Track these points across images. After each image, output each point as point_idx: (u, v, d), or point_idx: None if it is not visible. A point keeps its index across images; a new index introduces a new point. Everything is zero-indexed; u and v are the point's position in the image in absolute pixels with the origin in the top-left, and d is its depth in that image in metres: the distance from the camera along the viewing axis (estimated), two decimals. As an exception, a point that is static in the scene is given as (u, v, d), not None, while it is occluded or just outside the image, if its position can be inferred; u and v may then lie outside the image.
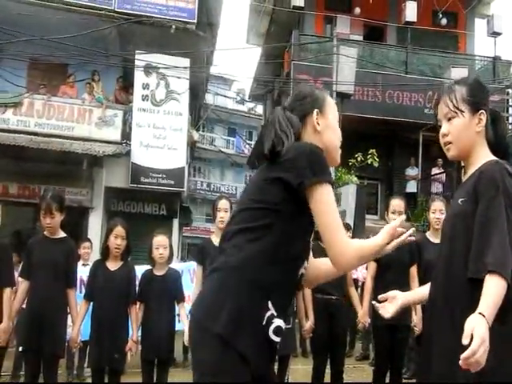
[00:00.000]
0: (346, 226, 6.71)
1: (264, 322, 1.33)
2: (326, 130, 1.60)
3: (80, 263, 5.35)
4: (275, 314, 1.34)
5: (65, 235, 3.43)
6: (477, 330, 1.26)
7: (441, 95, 1.67)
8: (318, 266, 1.63)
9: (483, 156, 1.61)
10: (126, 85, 10.64)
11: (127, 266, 3.57)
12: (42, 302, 3.27)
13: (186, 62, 10.02)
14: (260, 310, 1.33)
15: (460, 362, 1.24)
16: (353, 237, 6.88)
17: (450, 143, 1.64)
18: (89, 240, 5.87)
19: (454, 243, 1.55)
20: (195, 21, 10.27)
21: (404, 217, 1.58)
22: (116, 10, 9.82)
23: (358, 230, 8.25)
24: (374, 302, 1.78)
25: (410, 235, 1.48)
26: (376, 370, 3.88)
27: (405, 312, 3.70)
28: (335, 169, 9.51)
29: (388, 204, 3.90)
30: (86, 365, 5.09)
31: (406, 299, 1.82)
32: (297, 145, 1.47)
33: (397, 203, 3.82)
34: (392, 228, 1.46)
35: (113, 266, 3.52)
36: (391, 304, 1.78)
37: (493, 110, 1.68)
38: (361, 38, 12.73)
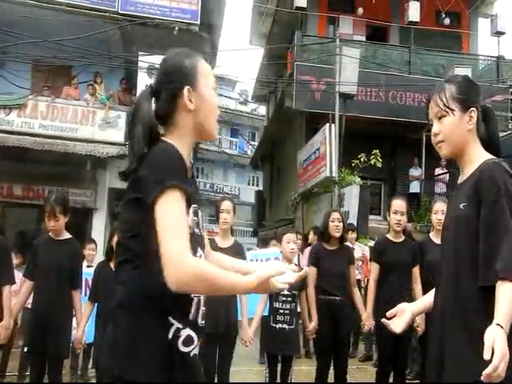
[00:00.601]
0: (351, 227, 6.72)
1: (170, 340, 1.27)
2: (201, 105, 1.43)
3: (84, 264, 5.38)
4: (181, 326, 1.29)
5: (70, 236, 3.44)
6: (497, 343, 1.25)
7: (431, 95, 1.66)
8: (222, 265, 1.50)
9: (478, 154, 1.60)
10: (130, 86, 10.67)
11: None
12: (46, 303, 3.28)
13: (189, 63, 10.03)
14: (161, 330, 1.26)
15: (482, 377, 1.24)
16: (357, 237, 6.91)
17: (441, 142, 1.63)
18: (93, 241, 5.88)
19: (458, 250, 1.53)
20: (198, 22, 10.29)
21: (293, 267, 1.46)
22: (119, 11, 9.85)
23: (361, 230, 8.24)
24: (383, 320, 1.74)
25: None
26: (379, 371, 3.88)
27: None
28: (339, 170, 9.53)
29: (390, 204, 3.91)
30: (90, 365, 5.11)
31: (415, 310, 1.79)
32: (149, 156, 1.30)
33: (398, 204, 3.82)
34: (266, 277, 1.27)
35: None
36: (400, 318, 1.74)
37: (484, 106, 1.67)
38: (364, 38, 12.72)
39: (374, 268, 3.87)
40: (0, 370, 4.65)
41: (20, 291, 3.49)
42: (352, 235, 6.35)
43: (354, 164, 9.51)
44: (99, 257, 6.71)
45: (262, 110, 23.20)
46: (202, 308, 1.36)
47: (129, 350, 1.24)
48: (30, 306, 3.48)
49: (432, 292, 1.72)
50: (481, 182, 1.49)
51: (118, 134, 9.94)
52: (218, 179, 27.32)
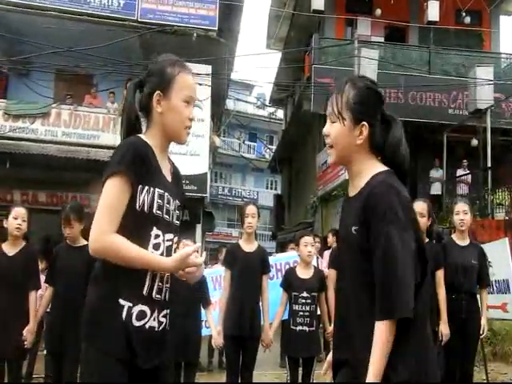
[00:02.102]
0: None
1: (124, 317, 1.48)
2: (168, 112, 1.62)
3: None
4: (132, 304, 1.50)
5: (86, 243, 3.52)
6: None
7: (334, 89, 1.53)
8: None
9: (367, 167, 1.47)
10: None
11: None
12: (64, 306, 3.37)
13: (207, 68, 10.14)
14: (113, 309, 1.48)
15: None
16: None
17: (331, 147, 1.51)
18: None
19: (349, 279, 1.45)
20: (216, 28, 10.39)
21: (199, 245, 1.56)
22: (139, 20, 10.04)
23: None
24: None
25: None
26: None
27: (431, 317, 3.64)
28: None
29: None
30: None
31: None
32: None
33: (420, 206, 3.76)
34: (186, 255, 1.49)
35: None
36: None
37: (389, 115, 1.54)
38: (382, 39, 12.63)
39: None
40: (27, 373, 4.76)
41: (44, 295, 3.58)
42: None
43: (373, 166, 9.42)
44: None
45: (280, 113, 23.22)
46: (159, 283, 1.55)
47: (91, 326, 1.50)
48: (48, 310, 3.58)
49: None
50: (370, 205, 1.38)
51: (138, 140, 10.10)
52: (237, 183, 27.44)
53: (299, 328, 3.72)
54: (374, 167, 1.48)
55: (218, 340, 3.54)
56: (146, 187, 1.54)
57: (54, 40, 8.97)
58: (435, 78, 11.45)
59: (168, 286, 1.60)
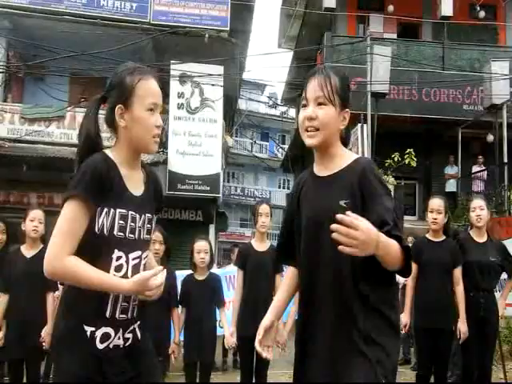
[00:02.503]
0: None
1: (88, 341, 1.52)
2: (132, 125, 1.57)
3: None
4: (94, 328, 1.52)
5: None
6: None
7: (314, 74, 1.56)
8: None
9: (343, 151, 1.61)
10: (162, 95, 10.90)
11: (167, 271, 3.66)
12: None
13: (219, 69, 10.17)
14: (77, 335, 1.52)
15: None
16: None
17: (316, 130, 1.54)
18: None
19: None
20: (228, 28, 10.42)
21: (159, 268, 1.56)
22: (151, 22, 10.12)
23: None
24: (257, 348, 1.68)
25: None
26: (419, 375, 3.79)
27: (447, 316, 3.60)
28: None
29: (427, 204, 3.81)
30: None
31: (276, 318, 1.72)
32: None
33: (437, 203, 3.72)
34: (145, 279, 1.48)
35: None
36: (267, 338, 1.70)
37: None
38: (395, 36, 12.50)
39: (413, 268, 3.78)
40: (45, 374, 4.83)
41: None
42: None
43: (387, 164, 9.35)
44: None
45: (292, 112, 23.17)
46: (123, 304, 1.57)
47: (58, 354, 1.56)
48: None
49: (284, 290, 1.74)
50: (366, 177, 1.49)
51: (152, 141, 10.19)
52: (249, 183, 27.45)
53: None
54: (346, 151, 1.61)
55: (230, 340, 3.55)
56: (106, 209, 1.52)
57: (69, 44, 9.09)
58: (449, 74, 11.31)
59: (135, 303, 1.62)
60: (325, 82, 1.53)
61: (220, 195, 10.89)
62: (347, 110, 1.56)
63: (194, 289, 3.66)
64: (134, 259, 1.59)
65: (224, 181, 14.88)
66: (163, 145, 10.23)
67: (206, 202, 10.52)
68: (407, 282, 3.92)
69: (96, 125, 1.60)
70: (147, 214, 1.63)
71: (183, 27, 10.10)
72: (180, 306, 3.73)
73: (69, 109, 10.04)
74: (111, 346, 1.55)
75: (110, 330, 1.55)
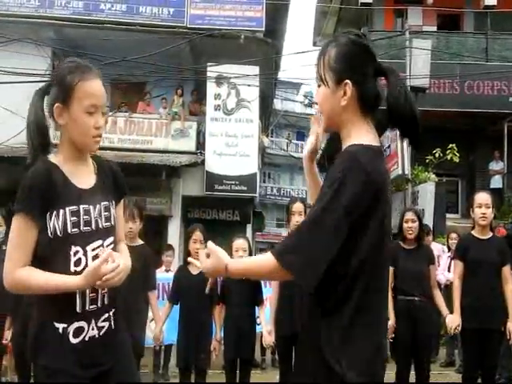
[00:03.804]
0: (425, 229, 6.39)
1: (61, 337, 1.56)
2: (71, 124, 1.56)
3: (163, 269, 5.67)
4: (66, 325, 1.56)
5: (142, 242, 3.66)
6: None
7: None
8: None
9: (354, 133, 1.36)
10: (200, 97, 11.09)
11: None
12: (124, 305, 3.51)
13: (255, 69, 10.22)
14: (50, 332, 1.56)
15: None
16: (434, 238, 6.54)
17: (322, 114, 1.43)
18: (171, 248, 6.16)
19: None
20: (263, 29, 10.45)
21: (108, 252, 1.55)
22: (188, 26, 10.29)
23: (438, 229, 7.84)
24: None
25: None
26: (465, 377, 3.66)
27: (497, 315, 3.47)
28: (411, 167, 9.15)
29: (472, 199, 3.66)
30: (169, 365, 5.36)
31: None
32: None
33: (484, 197, 3.57)
34: (94, 269, 1.49)
35: (195, 269, 3.68)
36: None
37: (384, 67, 1.39)
38: (435, 28, 12.16)
39: (458, 266, 3.66)
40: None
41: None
42: (427, 238, 5.95)
43: (427, 160, 9.09)
44: (176, 261, 7.01)
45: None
46: (91, 295, 1.59)
47: (34, 351, 1.59)
48: None
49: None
50: (330, 169, 1.31)
51: (189, 143, 10.37)
52: (285, 183, 27.36)
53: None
54: (359, 136, 1.35)
55: (268, 339, 3.56)
56: (55, 212, 1.54)
57: (109, 51, 9.39)
58: (493, 66, 10.87)
59: (105, 291, 1.63)
60: (317, 61, 1.40)
61: (257, 195, 10.93)
62: (346, 81, 1.33)
63: (234, 286, 3.70)
64: (93, 250, 1.61)
65: (260, 181, 14.90)
66: (201, 146, 10.39)
67: (242, 202, 10.59)
68: (453, 281, 3.79)
69: (42, 113, 1.59)
70: (103, 203, 1.65)
71: (219, 29, 10.21)
72: (220, 304, 3.78)
73: (110, 114, 10.37)
74: (86, 338, 1.59)
75: (82, 323, 1.59)
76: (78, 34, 10.07)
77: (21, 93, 9.86)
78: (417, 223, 3.84)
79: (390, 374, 3.93)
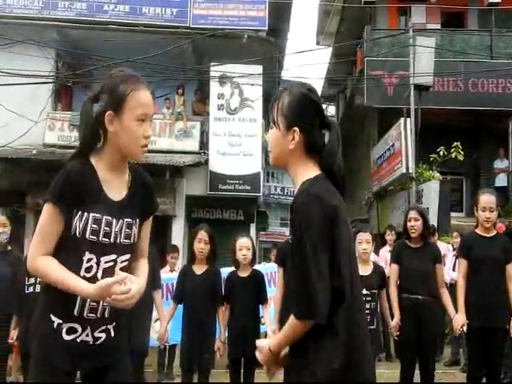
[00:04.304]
0: (431, 228, 6.36)
1: (55, 331, 1.61)
2: (121, 132, 1.60)
3: (167, 269, 5.68)
4: (62, 321, 1.62)
5: None
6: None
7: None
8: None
9: (302, 172, 1.52)
10: (203, 97, 11.09)
11: (213, 270, 3.73)
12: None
13: (258, 69, 10.21)
14: (46, 323, 1.62)
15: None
16: (438, 237, 6.52)
17: (270, 152, 1.59)
18: (176, 249, 6.17)
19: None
20: (266, 28, 10.44)
21: (124, 275, 1.58)
22: (191, 26, 10.30)
23: (442, 228, 7.81)
24: None
25: None
26: (470, 376, 3.65)
27: (501, 314, 3.45)
28: (416, 165, 9.12)
29: (477, 200, 3.63)
30: (174, 364, 5.37)
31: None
32: None
33: (489, 200, 3.52)
34: (107, 285, 1.52)
35: (199, 269, 3.70)
36: None
37: (328, 121, 1.58)
38: (438, 26, 12.10)
39: (463, 265, 3.64)
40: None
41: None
42: (433, 238, 5.89)
43: (432, 159, 9.06)
44: (180, 261, 7.02)
45: (332, 109, 22.87)
46: (92, 303, 1.62)
47: (32, 337, 1.66)
48: None
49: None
50: (292, 215, 1.45)
51: (193, 143, 10.38)
52: (289, 182, 27.25)
53: (359, 326, 3.65)
54: (306, 172, 1.51)
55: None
56: (80, 212, 1.58)
57: (113, 52, 9.41)
58: (498, 63, 10.80)
59: (106, 304, 1.63)
60: (271, 105, 1.58)
61: (260, 194, 10.93)
62: (295, 128, 1.50)
63: (238, 286, 3.71)
64: (106, 262, 1.63)
65: (264, 180, 14.89)
66: (204, 146, 10.39)
67: (246, 202, 10.59)
68: (457, 280, 3.77)
69: (94, 123, 1.65)
70: (126, 219, 1.67)
71: (222, 29, 10.21)
72: (224, 304, 3.79)
73: (114, 114, 10.40)
74: (78, 340, 1.63)
75: (77, 325, 1.63)
76: (82, 36, 10.09)
77: (24, 94, 9.98)
78: (420, 221, 3.83)
79: (395, 372, 3.94)
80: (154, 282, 3.62)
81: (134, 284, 1.58)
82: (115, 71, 1.70)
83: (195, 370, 3.70)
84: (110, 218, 1.62)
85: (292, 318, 1.40)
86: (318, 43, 17.38)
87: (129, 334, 3.43)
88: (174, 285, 4.20)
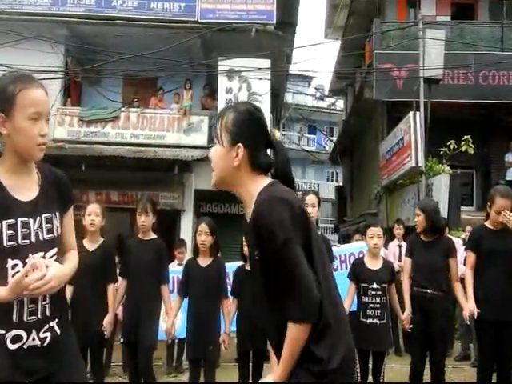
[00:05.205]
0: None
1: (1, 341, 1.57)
2: (14, 133, 1.55)
3: (175, 263, 5.71)
4: (4, 331, 1.57)
5: (155, 236, 3.72)
6: None
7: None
8: None
9: (254, 187, 1.48)
10: (211, 91, 11.08)
11: (217, 262, 3.74)
12: (137, 297, 3.58)
13: (266, 63, 10.17)
14: None
15: None
16: (448, 231, 6.47)
17: (214, 170, 1.55)
18: (184, 243, 6.20)
19: (263, 297, 1.52)
20: (274, 22, 10.38)
21: (32, 262, 1.53)
22: (199, 20, 10.27)
23: (452, 222, 7.75)
24: None
25: None
26: (480, 371, 3.63)
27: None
28: (425, 159, 9.05)
29: (493, 199, 3.55)
30: (183, 358, 5.41)
31: None
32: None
33: (503, 204, 3.46)
34: (16, 281, 1.46)
35: (204, 262, 3.71)
36: None
37: (272, 140, 1.55)
38: (448, 18, 11.94)
39: (470, 257, 3.62)
40: (106, 361, 5.11)
41: (119, 288, 3.80)
42: None
43: (441, 152, 8.98)
44: (188, 255, 7.03)
45: (340, 103, 22.74)
46: (30, 306, 1.60)
47: None
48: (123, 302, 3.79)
49: None
50: (257, 227, 1.41)
51: (201, 137, 10.38)
52: (297, 176, 27.24)
53: (370, 320, 3.66)
54: (257, 184, 1.48)
55: None
56: None
57: (122, 47, 9.43)
58: (509, 55, 10.64)
59: (46, 302, 1.63)
60: (217, 121, 1.55)
61: (269, 189, 10.91)
62: (239, 144, 1.48)
63: (246, 279, 3.71)
64: None
65: (273, 174, 14.91)
66: (212, 140, 10.38)
67: (255, 196, 10.58)
68: (465, 273, 3.74)
69: None
70: (44, 215, 1.65)
71: (230, 23, 10.17)
72: (232, 297, 3.80)
73: (123, 109, 10.43)
74: (25, 346, 1.59)
75: (21, 332, 1.59)
76: (91, 31, 10.12)
77: (35, 90, 10.04)
78: (421, 216, 3.80)
79: (405, 367, 3.93)
80: (161, 275, 3.64)
81: (51, 267, 1.54)
82: (5, 75, 1.64)
83: (201, 363, 3.71)
84: (25, 218, 1.60)
85: (291, 327, 1.36)
86: (326, 36, 17.28)
87: (137, 328, 3.50)
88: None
